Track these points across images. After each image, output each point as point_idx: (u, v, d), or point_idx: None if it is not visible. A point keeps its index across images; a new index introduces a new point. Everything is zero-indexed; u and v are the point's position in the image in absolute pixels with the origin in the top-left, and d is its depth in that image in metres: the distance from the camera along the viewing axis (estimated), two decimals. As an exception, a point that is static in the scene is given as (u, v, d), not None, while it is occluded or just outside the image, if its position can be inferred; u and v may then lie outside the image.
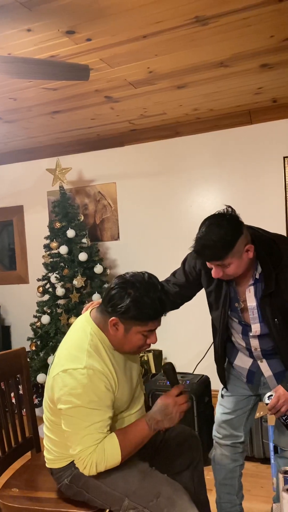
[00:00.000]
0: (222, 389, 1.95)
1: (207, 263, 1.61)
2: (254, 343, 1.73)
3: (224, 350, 1.85)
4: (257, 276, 1.64)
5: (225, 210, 1.57)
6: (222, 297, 1.72)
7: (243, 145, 3.54)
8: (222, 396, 1.95)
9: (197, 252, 1.57)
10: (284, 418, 1.65)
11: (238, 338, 1.78)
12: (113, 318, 1.44)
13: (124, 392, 1.52)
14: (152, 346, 3.73)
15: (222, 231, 1.50)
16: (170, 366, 1.57)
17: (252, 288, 1.66)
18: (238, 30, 2.13)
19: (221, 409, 1.95)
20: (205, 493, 1.76)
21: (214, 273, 1.58)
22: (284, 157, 3.40)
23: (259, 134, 3.48)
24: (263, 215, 3.39)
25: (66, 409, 1.40)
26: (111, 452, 1.39)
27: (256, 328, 1.69)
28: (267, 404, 1.64)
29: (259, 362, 1.78)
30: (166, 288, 1.84)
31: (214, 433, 1.99)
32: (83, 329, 1.52)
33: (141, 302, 1.40)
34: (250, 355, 1.80)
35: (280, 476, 1.41)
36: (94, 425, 1.38)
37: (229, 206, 1.58)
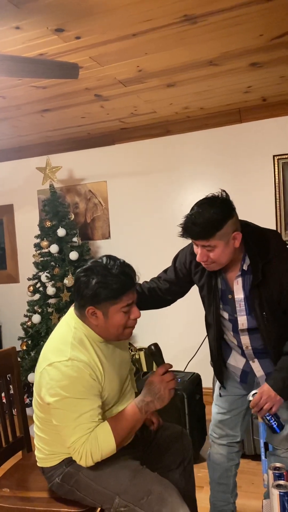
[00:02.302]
0: (220, 388, 1.93)
1: (194, 246, 1.61)
2: (245, 340, 1.73)
3: (219, 346, 1.83)
4: (244, 268, 1.64)
5: (219, 193, 1.59)
6: (213, 289, 1.72)
7: (233, 143, 3.55)
8: (220, 395, 1.93)
9: (185, 229, 1.56)
10: (268, 418, 1.62)
11: (230, 335, 1.78)
12: (88, 307, 1.46)
13: (113, 385, 1.52)
14: (144, 344, 3.74)
15: (212, 210, 1.51)
16: (156, 347, 1.57)
17: (240, 280, 1.66)
18: (227, 29, 2.14)
19: (217, 409, 1.95)
20: (193, 492, 1.77)
21: (199, 256, 1.57)
22: (274, 156, 3.42)
23: (249, 132, 3.50)
24: (253, 213, 3.38)
25: (55, 402, 1.40)
26: (104, 439, 1.39)
27: (242, 320, 1.69)
28: (249, 401, 1.63)
29: (251, 362, 1.77)
30: (156, 285, 1.85)
31: (210, 432, 1.99)
32: (67, 324, 1.54)
33: (106, 282, 1.43)
34: (242, 354, 1.79)
35: (270, 472, 1.42)
36: (84, 415, 1.39)
37: (223, 190, 1.60)
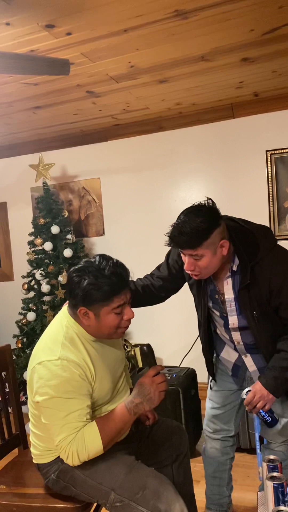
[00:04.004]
0: (211, 380, 1.95)
1: (182, 255, 1.60)
2: (236, 336, 1.74)
3: (208, 342, 1.85)
4: (234, 268, 1.63)
5: (206, 202, 1.57)
6: (202, 289, 1.72)
7: (226, 139, 3.56)
8: (211, 388, 1.95)
9: (172, 239, 1.55)
10: (262, 414, 1.65)
11: (222, 330, 1.79)
12: (80, 308, 1.46)
13: (105, 384, 1.52)
14: (139, 340, 3.76)
15: (199, 219, 1.50)
16: (148, 348, 1.57)
17: (229, 280, 1.65)
18: (218, 24, 2.14)
19: (211, 404, 1.96)
20: (191, 487, 1.78)
21: (187, 265, 1.57)
22: (266, 151, 3.43)
23: (242, 128, 3.50)
24: (246, 208, 3.42)
25: (43, 401, 1.41)
26: (91, 440, 1.39)
27: (233, 320, 1.69)
28: (243, 399, 1.66)
29: (243, 357, 1.79)
30: (150, 282, 1.85)
31: (205, 427, 2.00)
32: (60, 322, 1.54)
33: (97, 283, 1.42)
34: (235, 349, 1.80)
35: (264, 464, 1.43)
36: (72, 414, 1.39)
37: (210, 198, 1.58)
